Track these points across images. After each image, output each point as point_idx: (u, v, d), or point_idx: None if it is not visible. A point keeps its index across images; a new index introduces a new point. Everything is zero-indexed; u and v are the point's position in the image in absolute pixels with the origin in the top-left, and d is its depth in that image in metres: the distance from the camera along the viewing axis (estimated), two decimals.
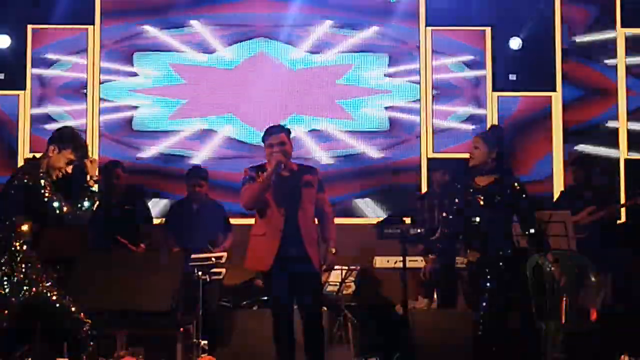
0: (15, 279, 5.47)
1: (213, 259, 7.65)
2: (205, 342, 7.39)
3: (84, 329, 5.57)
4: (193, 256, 7.42)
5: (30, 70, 9.60)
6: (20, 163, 9.45)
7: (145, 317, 6.64)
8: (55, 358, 6.78)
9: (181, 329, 6.75)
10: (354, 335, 7.88)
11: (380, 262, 7.97)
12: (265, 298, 8.50)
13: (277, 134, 6.37)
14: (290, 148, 6.41)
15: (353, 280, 8.48)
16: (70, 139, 5.68)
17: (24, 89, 9.60)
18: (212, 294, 7.96)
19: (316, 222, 6.45)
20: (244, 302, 8.56)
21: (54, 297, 5.53)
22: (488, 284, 5.92)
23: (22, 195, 5.50)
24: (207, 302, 7.70)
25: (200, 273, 7.45)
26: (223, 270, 7.75)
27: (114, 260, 7.13)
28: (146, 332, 6.64)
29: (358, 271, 8.54)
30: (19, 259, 5.48)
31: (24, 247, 5.51)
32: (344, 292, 8.32)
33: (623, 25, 9.90)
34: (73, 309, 5.56)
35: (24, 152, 9.54)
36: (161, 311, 6.58)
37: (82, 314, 5.58)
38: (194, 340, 7.18)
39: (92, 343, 5.60)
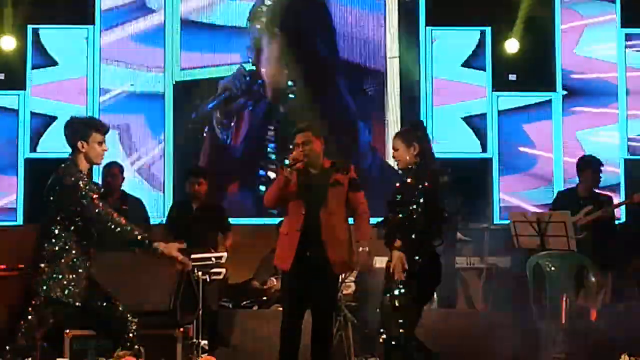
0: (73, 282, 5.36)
1: (213, 259, 7.64)
2: (205, 342, 7.38)
3: (131, 329, 5.50)
4: (193, 256, 7.40)
5: (30, 70, 9.59)
6: (21, 163, 9.46)
7: (145, 317, 6.63)
8: (56, 358, 6.79)
9: (181, 329, 6.74)
10: (354, 335, 7.87)
11: (380, 262, 7.94)
12: (265, 298, 8.52)
13: (303, 132, 6.25)
14: (319, 146, 6.25)
15: (353, 280, 8.47)
16: (84, 125, 5.43)
17: (24, 89, 9.59)
18: (212, 294, 7.95)
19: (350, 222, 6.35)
20: (244, 302, 8.56)
21: (100, 297, 5.45)
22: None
23: (64, 197, 5.30)
24: (207, 302, 7.70)
25: (200, 273, 7.44)
26: (223, 270, 7.73)
27: (113, 260, 7.12)
28: (146, 332, 6.63)
29: (358, 271, 8.52)
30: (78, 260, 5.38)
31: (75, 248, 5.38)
32: (344, 292, 8.31)
33: (623, 25, 9.91)
34: (120, 308, 5.47)
35: (24, 152, 9.53)
36: (161, 311, 6.57)
37: (127, 313, 5.47)
38: (194, 340, 7.18)
39: (138, 346, 5.45)
